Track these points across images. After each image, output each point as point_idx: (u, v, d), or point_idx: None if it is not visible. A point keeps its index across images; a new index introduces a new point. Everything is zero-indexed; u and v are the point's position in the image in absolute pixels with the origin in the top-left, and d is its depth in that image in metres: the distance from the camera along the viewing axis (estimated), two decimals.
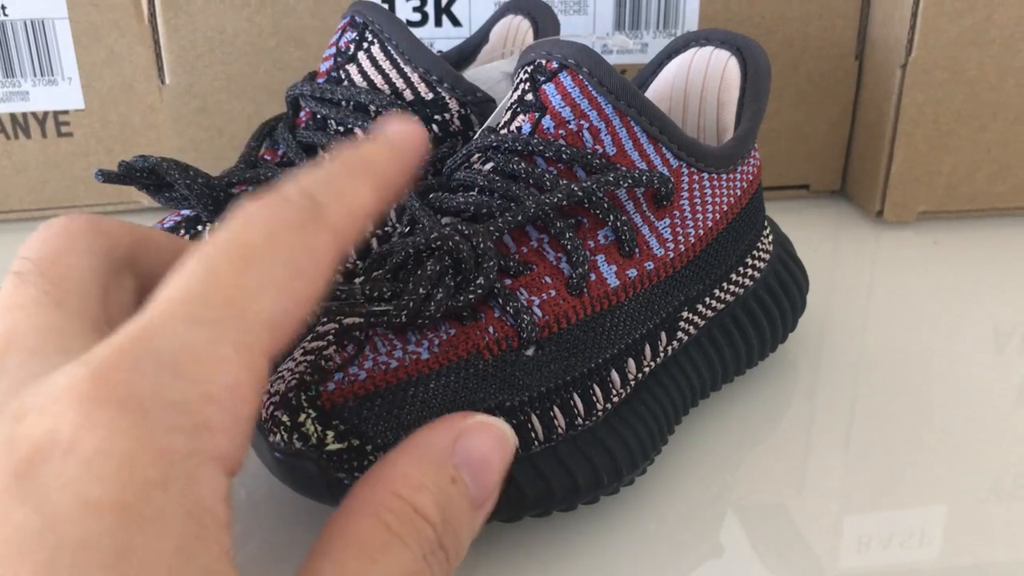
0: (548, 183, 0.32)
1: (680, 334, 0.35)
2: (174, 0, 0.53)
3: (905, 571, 0.32)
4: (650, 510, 0.34)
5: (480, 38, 0.50)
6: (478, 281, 0.30)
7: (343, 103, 0.41)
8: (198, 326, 0.19)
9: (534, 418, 0.30)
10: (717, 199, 0.36)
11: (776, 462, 0.37)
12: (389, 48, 0.41)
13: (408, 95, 0.40)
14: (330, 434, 0.28)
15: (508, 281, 0.31)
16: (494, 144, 0.34)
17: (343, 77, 0.41)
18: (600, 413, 0.32)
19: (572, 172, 0.33)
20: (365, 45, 0.41)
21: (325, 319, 0.31)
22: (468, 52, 0.50)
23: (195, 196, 0.37)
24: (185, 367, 0.19)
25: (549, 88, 0.34)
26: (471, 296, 0.30)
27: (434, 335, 0.30)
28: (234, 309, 0.20)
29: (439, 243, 0.30)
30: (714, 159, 0.36)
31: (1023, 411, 0.40)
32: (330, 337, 0.30)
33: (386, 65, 0.41)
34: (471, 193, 0.33)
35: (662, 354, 0.34)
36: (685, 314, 0.35)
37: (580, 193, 0.32)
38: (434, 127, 0.41)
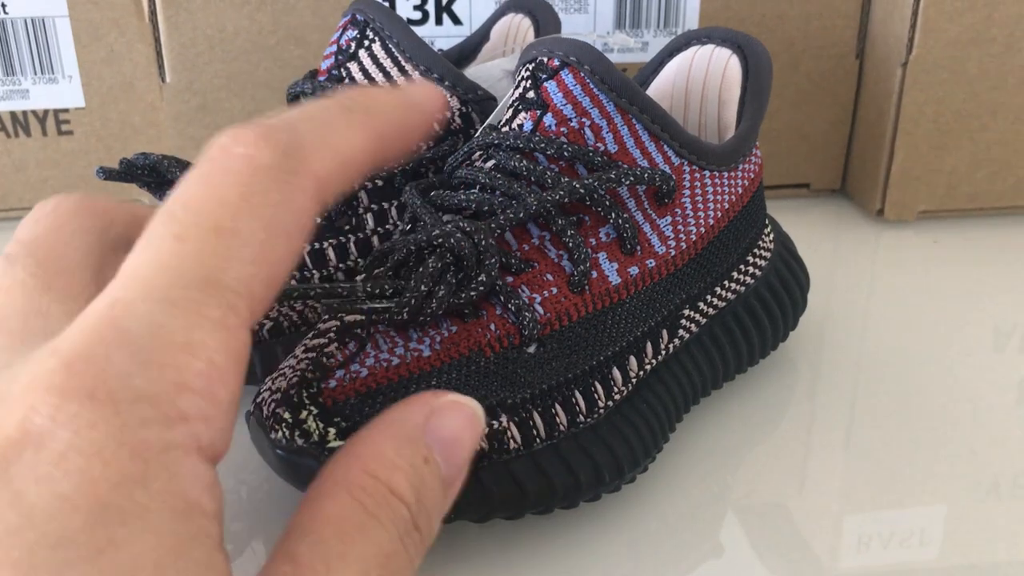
0: (550, 181, 0.32)
1: (681, 332, 0.35)
2: None
3: (905, 571, 0.32)
4: (651, 508, 0.34)
5: (481, 36, 0.50)
6: (480, 278, 0.30)
7: None
8: (170, 307, 0.18)
9: (536, 415, 0.30)
10: (719, 197, 0.36)
11: (776, 461, 0.37)
12: (390, 46, 0.41)
13: None
14: (332, 431, 0.28)
15: (510, 278, 0.31)
16: (495, 142, 0.34)
17: (344, 75, 0.41)
18: (602, 411, 0.32)
19: (574, 170, 0.33)
20: (366, 43, 0.41)
21: (327, 316, 0.31)
22: (469, 51, 0.50)
23: None
24: (155, 354, 0.18)
25: (551, 85, 0.34)
26: (473, 293, 0.30)
27: (436, 332, 0.30)
28: (208, 283, 0.19)
29: (441, 240, 0.30)
30: (716, 157, 0.36)
31: (1023, 410, 0.40)
32: (332, 334, 0.30)
33: (387, 63, 0.41)
34: (472, 191, 0.33)
35: (663, 352, 0.34)
36: (686, 312, 0.35)
37: (582, 191, 0.32)
38: (435, 125, 0.40)
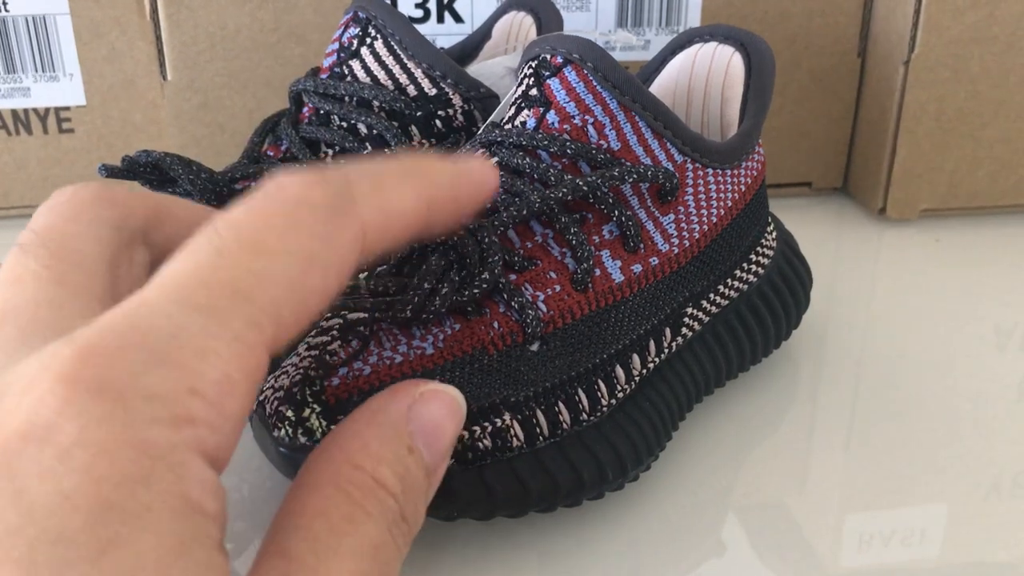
0: (552, 178, 0.32)
1: (684, 330, 0.35)
2: None
3: (906, 570, 0.31)
4: (653, 507, 0.34)
5: (483, 34, 0.50)
6: (483, 276, 0.30)
7: (346, 98, 0.41)
8: (194, 312, 0.18)
9: (539, 413, 0.30)
10: (721, 195, 0.36)
11: (778, 460, 0.37)
12: (392, 44, 0.41)
13: (411, 90, 0.40)
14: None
15: (513, 276, 0.31)
16: (498, 139, 0.34)
17: (346, 73, 0.41)
18: (605, 409, 0.32)
19: (577, 167, 0.33)
20: (368, 40, 0.41)
21: (329, 314, 0.31)
22: (471, 48, 0.50)
23: (198, 191, 0.37)
24: (171, 356, 0.18)
25: (553, 83, 0.34)
26: (476, 291, 0.30)
27: (439, 330, 0.30)
28: (239, 296, 0.19)
29: (444, 238, 0.30)
30: (719, 155, 0.36)
31: None
32: (334, 332, 0.30)
33: (389, 60, 0.41)
34: None
35: (666, 350, 0.34)
36: (689, 310, 0.35)
37: (585, 188, 0.32)
38: (437, 123, 0.41)
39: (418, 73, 0.40)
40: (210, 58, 0.54)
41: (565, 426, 0.31)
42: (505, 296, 0.31)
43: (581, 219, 0.33)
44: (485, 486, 0.29)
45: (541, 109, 0.34)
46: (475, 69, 0.43)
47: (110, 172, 0.36)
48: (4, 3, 0.52)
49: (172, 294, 0.19)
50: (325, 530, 0.20)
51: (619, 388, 0.32)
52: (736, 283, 0.38)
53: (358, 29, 0.42)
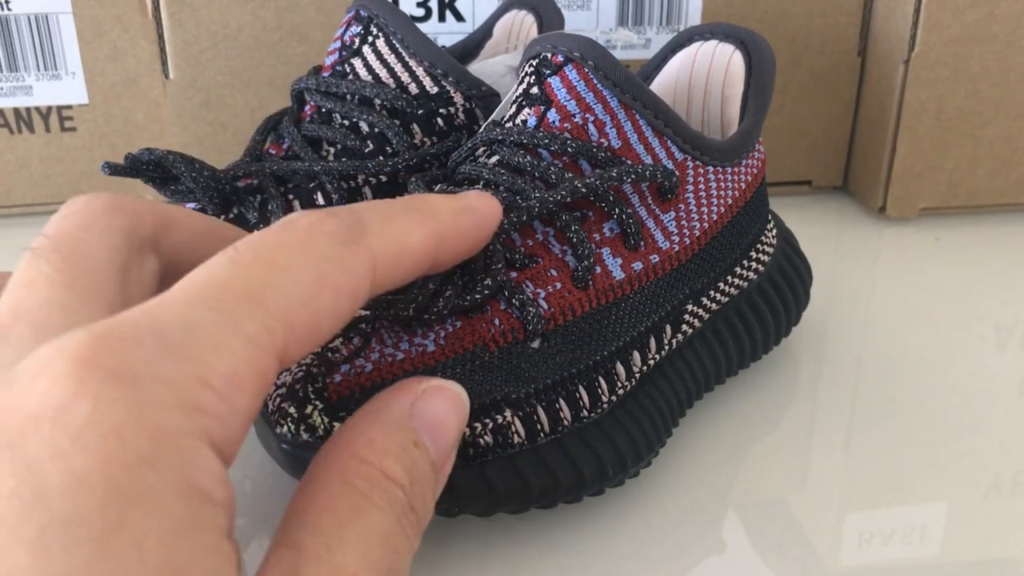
0: (553, 176, 0.32)
1: (685, 327, 0.35)
2: None
3: (906, 568, 0.32)
4: (654, 503, 0.34)
5: (484, 33, 0.50)
6: (486, 282, 0.30)
7: (348, 97, 0.41)
8: (208, 310, 0.19)
9: (540, 410, 0.30)
10: (722, 192, 0.36)
11: (778, 457, 0.37)
12: (394, 42, 0.41)
13: (413, 89, 0.40)
14: (337, 425, 0.28)
15: (514, 274, 0.32)
16: (499, 138, 0.34)
17: (348, 71, 0.41)
18: (605, 405, 0.32)
19: (577, 165, 0.33)
20: (370, 39, 0.41)
21: None
22: (472, 47, 0.50)
23: (201, 189, 0.37)
24: (185, 347, 0.18)
25: (554, 81, 0.34)
26: (478, 296, 0.30)
27: (440, 328, 0.30)
28: (252, 301, 0.20)
29: None
30: (719, 153, 0.36)
31: None
32: None
33: (391, 59, 0.41)
34: (476, 186, 0.33)
35: (667, 347, 0.35)
36: (690, 307, 0.35)
37: (584, 190, 0.32)
38: (439, 121, 0.41)
39: (420, 71, 0.41)
40: (212, 56, 0.54)
41: (566, 423, 0.31)
42: (506, 294, 0.31)
43: (582, 217, 0.33)
44: (486, 482, 0.29)
45: (542, 107, 0.34)
46: (476, 67, 0.43)
47: (113, 170, 0.36)
48: (7, 2, 0.52)
49: (189, 295, 0.19)
50: (334, 522, 0.21)
51: (620, 385, 0.32)
52: (736, 280, 0.38)
53: (360, 28, 0.42)
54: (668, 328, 0.34)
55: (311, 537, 0.20)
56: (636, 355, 0.33)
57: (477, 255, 0.30)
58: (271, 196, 0.38)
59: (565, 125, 0.33)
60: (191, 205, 0.39)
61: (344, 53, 0.42)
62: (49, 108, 0.55)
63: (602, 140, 0.33)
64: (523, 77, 0.35)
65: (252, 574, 0.20)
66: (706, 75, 0.41)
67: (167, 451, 0.17)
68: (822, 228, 0.58)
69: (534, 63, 0.35)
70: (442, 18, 0.55)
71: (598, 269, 0.32)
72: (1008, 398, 0.41)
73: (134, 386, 0.17)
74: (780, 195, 0.61)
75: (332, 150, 0.40)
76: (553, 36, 0.35)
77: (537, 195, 0.32)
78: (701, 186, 0.35)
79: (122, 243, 0.24)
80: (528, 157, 0.33)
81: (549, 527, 0.33)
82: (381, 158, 0.40)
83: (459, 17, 0.56)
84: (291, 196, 0.39)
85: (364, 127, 0.40)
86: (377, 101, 0.40)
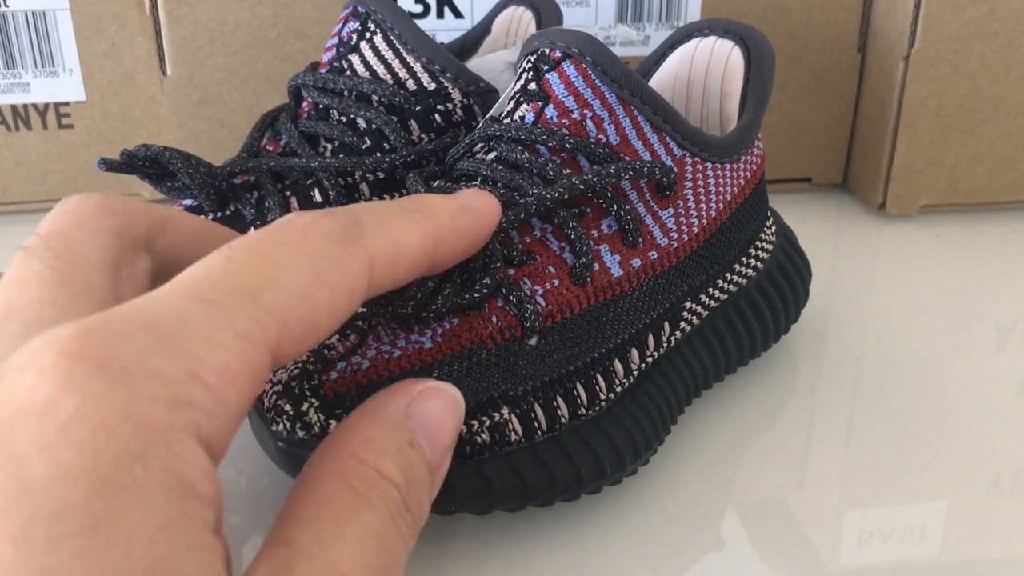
0: (551, 173, 0.32)
1: (683, 324, 0.35)
2: None
3: (906, 567, 0.31)
4: (652, 501, 0.34)
5: (482, 29, 0.50)
6: (484, 280, 0.30)
7: (346, 93, 0.41)
8: (201, 304, 0.19)
9: (537, 408, 0.30)
10: (721, 189, 0.36)
11: (777, 455, 0.37)
12: (392, 38, 0.41)
13: (411, 85, 0.40)
14: (333, 423, 0.28)
15: (511, 271, 0.31)
16: (497, 134, 0.34)
17: (345, 67, 0.41)
18: (603, 403, 0.32)
19: (575, 162, 0.33)
20: (368, 35, 0.41)
21: None
22: (470, 44, 0.50)
23: (197, 185, 0.37)
24: (176, 340, 0.18)
25: (552, 77, 0.34)
26: (477, 295, 0.30)
27: (437, 325, 0.30)
28: (245, 296, 0.20)
29: None
30: (718, 149, 0.36)
31: None
32: None
33: (389, 55, 0.41)
34: (474, 183, 0.33)
35: (665, 344, 0.34)
36: (688, 304, 0.35)
37: (582, 186, 0.32)
38: (437, 117, 0.40)
39: (417, 67, 0.40)
40: (210, 53, 0.54)
41: (563, 420, 0.31)
42: (504, 291, 0.31)
43: (580, 213, 0.33)
44: (483, 480, 0.29)
45: (540, 103, 0.34)
46: (475, 63, 0.43)
47: (109, 166, 0.36)
48: None
49: (182, 290, 0.19)
50: (328, 519, 0.21)
51: (617, 382, 0.32)
52: (735, 277, 0.38)
53: (357, 24, 0.42)
54: (666, 325, 0.34)
55: (305, 535, 0.20)
56: (634, 352, 0.33)
57: (476, 253, 0.30)
58: (268, 193, 0.38)
59: (563, 121, 0.33)
60: (187, 201, 0.39)
61: (341, 49, 0.42)
62: (46, 105, 0.55)
63: (600, 136, 0.33)
64: (521, 73, 0.35)
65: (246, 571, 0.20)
66: (705, 71, 0.40)
67: (155, 445, 0.17)
68: (822, 225, 0.58)
69: (532, 59, 0.35)
70: (440, 14, 0.55)
71: (596, 266, 0.32)
72: (1008, 396, 0.40)
73: (123, 380, 0.17)
74: (780, 192, 0.61)
75: (329, 146, 0.40)
76: (551, 32, 0.35)
77: (535, 192, 0.32)
78: (700, 182, 0.35)
79: (114, 242, 0.24)
80: (526, 153, 0.33)
81: (546, 525, 0.32)
82: (379, 154, 0.40)
83: (458, 13, 0.55)
84: (288, 193, 0.39)
85: (361, 123, 0.40)
86: (375, 97, 0.40)
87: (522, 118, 0.34)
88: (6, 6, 0.52)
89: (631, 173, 0.32)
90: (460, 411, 0.26)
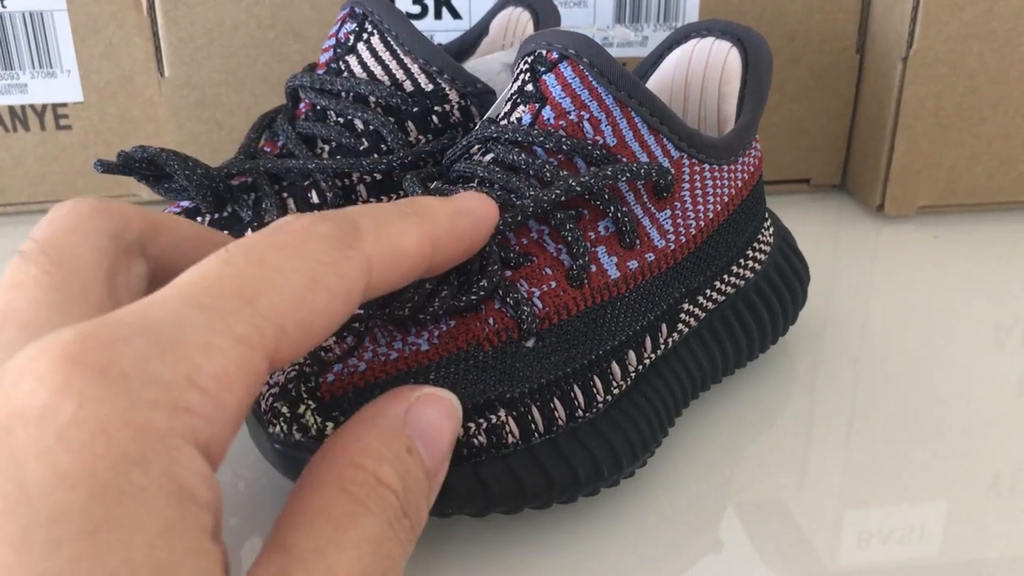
0: (548, 174, 0.32)
1: (681, 326, 0.35)
2: None
3: (905, 567, 0.31)
4: (650, 503, 0.34)
5: (480, 30, 0.50)
6: (482, 283, 0.30)
7: (343, 94, 0.41)
8: (198, 309, 0.19)
9: (534, 410, 0.30)
10: (718, 190, 0.36)
11: (776, 456, 0.37)
12: (389, 39, 0.41)
13: (408, 86, 0.40)
14: (330, 425, 0.28)
15: (508, 272, 0.31)
16: (494, 135, 0.34)
17: (343, 68, 0.41)
18: (600, 405, 0.32)
19: (572, 163, 0.33)
20: (365, 36, 0.41)
21: None
22: (468, 44, 0.50)
23: (194, 187, 0.37)
24: (174, 346, 0.18)
25: (549, 78, 0.34)
26: (473, 298, 0.30)
27: (434, 327, 0.30)
28: (242, 300, 0.20)
29: None
30: (715, 150, 0.35)
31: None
32: None
33: (386, 56, 0.41)
34: (471, 184, 0.33)
35: (663, 346, 0.34)
36: (686, 306, 0.35)
37: (579, 188, 0.32)
38: (434, 118, 0.40)
39: (414, 68, 0.40)
40: (207, 54, 0.54)
41: (560, 423, 0.31)
42: (500, 292, 0.31)
43: (577, 215, 0.33)
44: (480, 483, 0.29)
45: (537, 105, 0.34)
46: (472, 65, 0.43)
47: (106, 167, 0.36)
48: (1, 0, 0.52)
49: (179, 294, 0.19)
50: (326, 526, 0.21)
51: (615, 384, 0.32)
52: (733, 279, 0.37)
53: (355, 25, 0.42)
54: (664, 327, 0.34)
55: (304, 540, 0.20)
56: (632, 354, 0.33)
57: (474, 257, 0.30)
58: (265, 194, 0.38)
59: (560, 123, 0.33)
60: (184, 203, 0.39)
61: (339, 50, 0.42)
62: (44, 106, 0.55)
63: (597, 138, 0.33)
64: (518, 74, 0.35)
65: (244, 575, 0.20)
66: (703, 72, 0.40)
67: (154, 450, 0.17)
68: (820, 227, 0.58)
69: (529, 60, 0.35)
70: (438, 15, 0.55)
71: (593, 268, 0.32)
72: (1007, 396, 0.40)
73: (121, 385, 0.17)
74: (778, 193, 0.61)
75: (327, 148, 0.40)
76: (549, 33, 0.34)
77: (532, 193, 0.32)
78: (697, 184, 0.35)
79: (109, 245, 0.24)
80: (523, 155, 0.33)
81: (544, 528, 0.32)
82: (376, 156, 0.40)
83: (455, 14, 0.55)
84: (285, 194, 0.39)
85: (359, 125, 0.40)
86: (372, 98, 0.40)
87: (519, 120, 0.34)
88: (3, 7, 0.52)
89: (628, 175, 0.32)
90: (458, 418, 0.26)
